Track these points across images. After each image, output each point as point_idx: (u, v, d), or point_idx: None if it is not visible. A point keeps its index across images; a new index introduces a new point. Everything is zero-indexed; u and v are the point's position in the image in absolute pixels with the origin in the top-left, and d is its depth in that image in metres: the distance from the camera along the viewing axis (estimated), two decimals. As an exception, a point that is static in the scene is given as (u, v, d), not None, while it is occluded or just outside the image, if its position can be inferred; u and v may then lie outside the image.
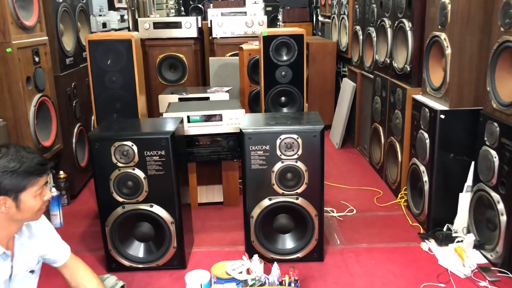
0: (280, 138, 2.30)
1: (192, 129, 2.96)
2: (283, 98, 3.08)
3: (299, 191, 2.37)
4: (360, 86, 4.25)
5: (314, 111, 2.54)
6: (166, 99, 3.49)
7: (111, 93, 2.86)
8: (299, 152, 2.31)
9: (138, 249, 2.44)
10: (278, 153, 2.31)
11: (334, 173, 3.79)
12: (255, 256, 2.22)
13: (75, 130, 3.37)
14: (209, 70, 4.14)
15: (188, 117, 2.94)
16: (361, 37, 4.16)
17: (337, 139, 4.49)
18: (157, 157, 2.29)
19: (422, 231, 2.78)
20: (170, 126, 2.41)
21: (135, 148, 2.27)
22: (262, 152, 2.32)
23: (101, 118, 2.87)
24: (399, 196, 3.18)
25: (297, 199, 2.38)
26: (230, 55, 4.34)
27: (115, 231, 2.39)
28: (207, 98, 3.50)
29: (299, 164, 2.33)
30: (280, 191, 2.37)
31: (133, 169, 2.30)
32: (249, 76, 3.57)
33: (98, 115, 2.88)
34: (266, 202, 2.38)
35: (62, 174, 3.21)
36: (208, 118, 2.96)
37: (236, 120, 2.97)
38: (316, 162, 2.33)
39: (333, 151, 4.41)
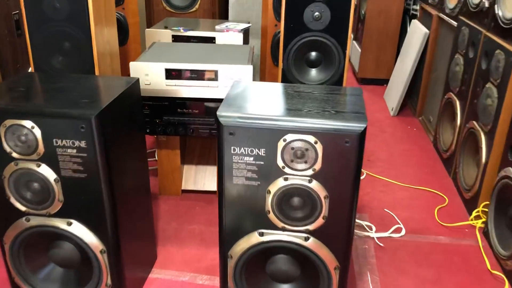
0: (285, 140, 1.29)
1: (172, 89, 1.99)
2: (313, 54, 2.01)
3: (311, 227, 1.39)
4: (436, 35, 3.06)
5: (356, 87, 1.48)
6: (155, 35, 2.50)
7: (53, 27, 1.90)
8: (317, 166, 1.31)
9: (57, 279, 1.59)
10: (280, 163, 1.32)
11: (382, 156, 2.75)
12: None
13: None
14: (230, -4, 3.06)
15: (167, 70, 1.96)
16: (446, -37, 2.91)
17: (394, 102, 3.38)
18: (74, 151, 1.36)
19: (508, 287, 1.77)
20: (107, 95, 1.44)
21: (37, 132, 1.35)
22: (252, 158, 1.33)
23: (40, 63, 1.95)
24: (475, 213, 2.13)
25: (306, 239, 1.41)
26: (259, -22, 3.21)
27: (18, 251, 1.54)
28: (212, 40, 2.48)
29: (315, 186, 1.33)
30: (280, 224, 1.40)
31: (38, 166, 1.39)
32: (275, 11, 2.48)
33: (35, 59, 1.96)
34: (254, 239, 1.43)
35: None
36: (198, 75, 1.96)
37: (239, 80, 1.96)
38: (346, 184, 1.33)
39: (386, 118, 3.32)
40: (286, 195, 1.36)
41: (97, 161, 1.36)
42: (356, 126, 1.27)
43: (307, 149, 1.29)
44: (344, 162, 1.30)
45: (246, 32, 2.58)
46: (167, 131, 2.07)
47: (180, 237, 2.00)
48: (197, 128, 2.06)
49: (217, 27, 2.57)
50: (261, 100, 1.42)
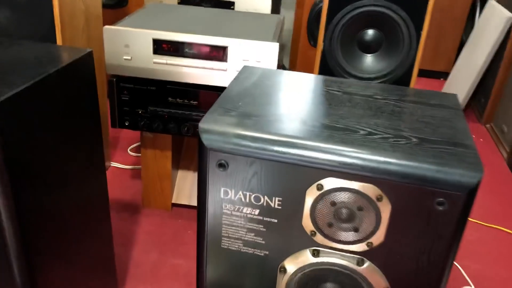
0: (321, 186, 0.69)
1: (162, 69, 1.40)
2: (370, 33, 1.37)
3: (352, 335, 0.80)
4: (523, 21, 2.37)
5: (452, 93, 0.87)
6: (156, -6, 1.90)
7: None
8: (376, 239, 0.71)
9: None
10: (309, 226, 0.72)
11: (440, 174, 2.11)
12: None
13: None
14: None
15: (155, 41, 1.36)
16: None
17: (455, 102, 2.71)
18: (-48, 169, 0.78)
19: None
20: (26, 74, 0.85)
21: None
22: (258, 211, 0.74)
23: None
24: None
25: None
26: None
27: None
28: (230, 5, 1.87)
29: (368, 271, 0.73)
30: (297, 321, 0.81)
31: None
32: (317, -28, 1.85)
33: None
34: (252, 337, 0.85)
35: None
36: (199, 51, 1.36)
37: (257, 63, 1.36)
38: (425, 274, 0.72)
39: (444, 122, 2.66)
40: (314, 279, 0.76)
41: (-8, 189, 0.79)
42: (462, 174, 0.66)
43: (360, 208, 0.69)
44: (430, 237, 0.69)
45: (276, -1, 1.96)
46: (152, 126, 1.48)
47: (158, 277, 1.43)
48: (194, 126, 1.47)
49: (239, -11, 1.95)
50: (283, 106, 0.81)
